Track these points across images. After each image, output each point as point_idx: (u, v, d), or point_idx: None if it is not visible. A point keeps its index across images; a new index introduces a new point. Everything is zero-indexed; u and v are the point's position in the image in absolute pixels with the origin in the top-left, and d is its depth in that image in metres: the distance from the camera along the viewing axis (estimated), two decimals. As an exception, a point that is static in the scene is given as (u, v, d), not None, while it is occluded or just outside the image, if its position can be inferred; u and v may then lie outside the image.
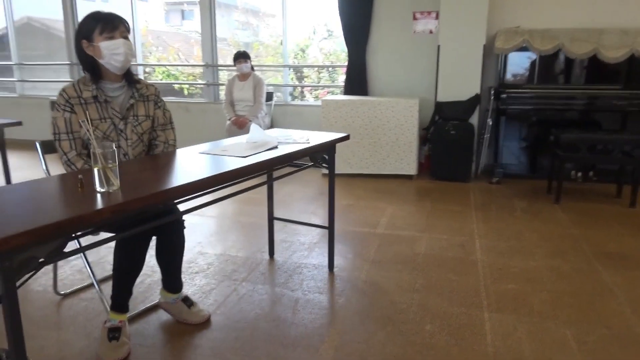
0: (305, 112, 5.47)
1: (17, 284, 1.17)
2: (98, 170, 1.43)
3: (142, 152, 2.07)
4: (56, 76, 6.72)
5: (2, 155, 3.34)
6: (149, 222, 1.70)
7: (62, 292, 2.38)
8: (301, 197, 4.13)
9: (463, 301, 2.30)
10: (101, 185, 1.44)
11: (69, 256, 1.37)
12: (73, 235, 1.39)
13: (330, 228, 2.63)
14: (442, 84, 4.67)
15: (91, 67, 1.91)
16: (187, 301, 2.15)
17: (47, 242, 1.23)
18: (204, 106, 5.95)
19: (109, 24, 1.87)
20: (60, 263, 2.60)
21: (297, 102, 5.99)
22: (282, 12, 5.73)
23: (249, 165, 1.83)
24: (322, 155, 2.47)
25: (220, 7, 6.63)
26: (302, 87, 6.96)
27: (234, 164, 1.83)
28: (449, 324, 2.10)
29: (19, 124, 3.35)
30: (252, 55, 5.13)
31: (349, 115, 4.68)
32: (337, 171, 4.55)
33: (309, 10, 7.03)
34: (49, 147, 2.09)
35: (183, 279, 2.23)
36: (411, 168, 4.69)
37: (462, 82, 4.59)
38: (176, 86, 7.81)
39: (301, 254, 2.89)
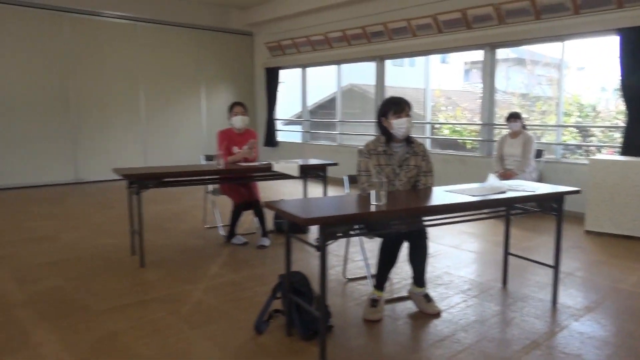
0: (575, 170, 5.59)
1: (326, 243, 2.23)
2: (375, 192, 2.43)
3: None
4: (365, 131, 8.55)
5: (324, 184, 4.83)
6: (402, 231, 2.62)
7: (348, 277, 3.52)
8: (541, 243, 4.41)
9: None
10: (376, 201, 2.42)
11: (352, 236, 2.38)
12: (355, 226, 2.41)
13: (556, 267, 3.03)
14: None
15: (385, 133, 2.98)
16: (427, 297, 2.96)
17: (342, 225, 2.27)
18: (478, 160, 6.67)
19: (399, 107, 2.91)
20: (350, 258, 3.75)
21: (567, 159, 6.09)
22: (560, 69, 6.03)
23: (472, 203, 2.56)
24: (551, 204, 2.94)
25: (521, 62, 7.28)
26: (575, 145, 6.95)
27: (461, 199, 2.59)
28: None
29: (336, 164, 4.80)
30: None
31: (618, 175, 4.68)
32: (601, 230, 4.63)
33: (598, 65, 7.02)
34: (352, 179, 3.28)
35: (430, 288, 3.05)
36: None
37: None
38: (460, 141, 8.78)
39: (531, 288, 3.33)
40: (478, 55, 7.02)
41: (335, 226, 2.23)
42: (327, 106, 11.71)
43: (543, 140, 6.78)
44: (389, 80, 8.09)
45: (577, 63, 7.77)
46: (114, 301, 3.12)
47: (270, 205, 2.48)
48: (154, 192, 3.78)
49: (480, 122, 6.85)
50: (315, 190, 6.03)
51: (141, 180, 3.69)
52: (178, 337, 2.62)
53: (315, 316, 2.46)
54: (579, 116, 7.60)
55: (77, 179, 8.13)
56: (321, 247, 2.19)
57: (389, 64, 8.06)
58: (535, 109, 8.57)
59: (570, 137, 7.19)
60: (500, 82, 8.46)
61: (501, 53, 7.06)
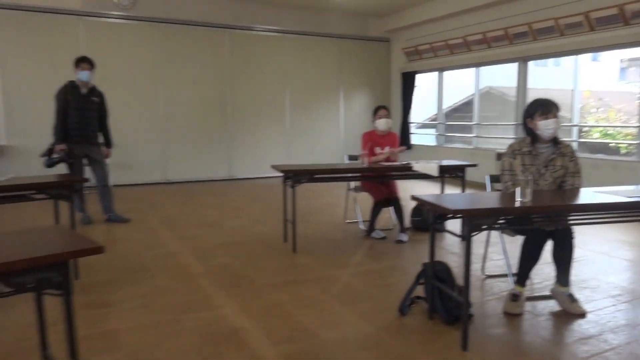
0: None
1: (472, 234, 2.41)
2: (521, 189, 2.55)
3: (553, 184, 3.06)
4: (503, 133, 8.34)
5: (463, 184, 4.91)
6: (546, 229, 2.69)
7: (487, 274, 3.62)
8: None
9: None
10: (521, 197, 2.54)
11: (496, 229, 2.53)
12: (500, 219, 2.55)
13: None
14: None
15: (530, 134, 3.05)
16: (571, 297, 2.96)
17: (487, 217, 2.43)
18: (634, 165, 6.17)
19: (546, 109, 2.96)
20: (489, 257, 3.83)
21: None
22: None
23: (623, 203, 2.53)
24: None
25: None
26: None
27: (610, 199, 2.58)
28: None
29: (475, 165, 4.87)
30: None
31: None
32: None
33: None
34: (494, 179, 3.38)
35: (574, 290, 3.04)
36: None
37: None
38: (612, 144, 8.13)
39: (694, 301, 3.12)
40: (637, 51, 6.48)
41: (480, 218, 2.40)
42: (462, 109, 11.56)
43: None
44: (531, 82, 7.81)
45: None
46: (274, 278, 3.62)
47: (417, 198, 2.73)
48: (298, 189, 4.26)
49: (638, 125, 6.32)
50: (451, 191, 6.10)
51: (296, 176, 4.17)
52: (331, 311, 2.99)
53: (457, 303, 2.65)
54: None
55: (230, 176, 9.16)
56: (466, 237, 2.38)
57: (531, 64, 7.78)
58: None
59: None
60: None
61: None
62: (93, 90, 5.24)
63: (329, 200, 6.92)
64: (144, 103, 8.29)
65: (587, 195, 2.78)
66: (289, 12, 9.24)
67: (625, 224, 4.03)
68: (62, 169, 5.02)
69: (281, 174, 4.36)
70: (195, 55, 8.64)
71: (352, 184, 5.15)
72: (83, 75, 5.07)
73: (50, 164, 5.01)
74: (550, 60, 11.00)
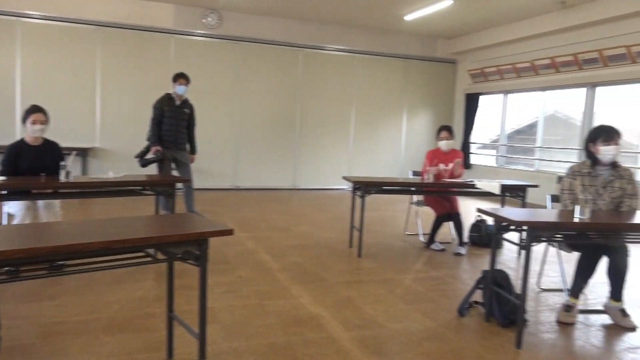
0: None
1: (531, 244, 2.70)
2: (580, 207, 2.82)
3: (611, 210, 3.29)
4: (566, 157, 8.37)
5: (523, 204, 5.13)
6: (602, 245, 2.94)
7: (542, 288, 3.85)
8: None
9: None
10: (579, 215, 2.81)
11: (555, 241, 2.81)
12: (558, 233, 2.82)
13: None
14: None
15: (591, 157, 3.30)
16: (624, 312, 3.16)
17: (545, 231, 2.72)
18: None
19: (608, 136, 3.20)
20: (545, 273, 4.05)
21: None
22: None
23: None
24: None
25: None
26: None
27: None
28: None
29: (537, 186, 5.08)
30: None
31: None
32: None
33: None
34: (555, 199, 3.64)
35: (628, 307, 3.23)
36: None
37: None
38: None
39: None
40: None
41: (541, 230, 2.70)
42: (525, 131, 11.54)
43: None
44: (600, 107, 7.84)
45: None
46: (342, 277, 4.02)
47: (484, 210, 3.06)
48: (358, 201, 4.68)
49: None
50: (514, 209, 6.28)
51: (366, 187, 4.57)
52: (396, 308, 3.35)
53: (513, 308, 2.94)
54: None
55: (294, 186, 9.69)
56: (527, 247, 2.69)
57: (601, 89, 7.82)
58: None
59: None
60: None
61: None
62: (185, 103, 5.94)
63: (390, 213, 7.25)
64: (221, 115, 9.01)
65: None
66: (359, 33, 9.73)
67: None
68: (151, 169, 5.71)
69: (348, 186, 4.77)
70: (270, 72, 9.30)
71: (415, 197, 5.48)
72: (180, 89, 5.80)
73: (145, 164, 5.72)
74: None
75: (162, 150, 5.72)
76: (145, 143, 5.83)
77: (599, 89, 7.81)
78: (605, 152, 3.19)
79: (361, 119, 10.04)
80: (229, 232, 2.10)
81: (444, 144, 5.13)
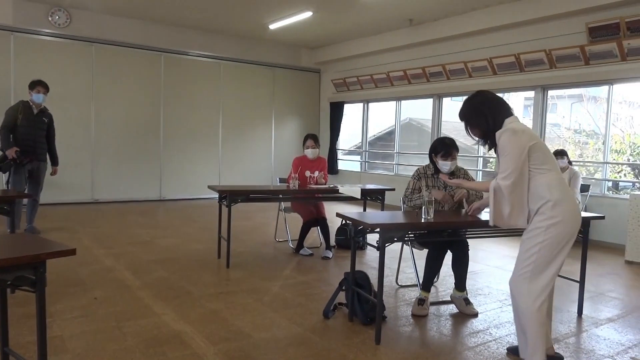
0: (619, 205, 5.93)
1: (385, 244, 2.89)
2: (423, 208, 3.08)
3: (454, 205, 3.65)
4: (421, 162, 9.14)
5: (382, 206, 5.48)
6: (444, 241, 3.25)
7: (399, 284, 4.14)
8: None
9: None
10: (424, 215, 3.07)
11: (405, 241, 3.04)
12: (409, 233, 3.06)
13: (582, 282, 3.51)
14: None
15: (433, 164, 3.64)
16: (467, 300, 3.52)
17: (396, 231, 2.93)
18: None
19: (446, 152, 3.54)
20: (402, 270, 4.36)
21: (611, 194, 6.42)
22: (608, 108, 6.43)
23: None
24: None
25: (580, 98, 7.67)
26: (621, 182, 7.23)
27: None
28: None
29: (393, 189, 5.46)
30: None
31: (657, 211, 5.03)
32: None
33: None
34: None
35: (470, 296, 3.59)
36: None
37: None
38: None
39: (564, 302, 3.80)
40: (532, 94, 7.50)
41: (392, 231, 2.89)
42: (385, 138, 12.39)
43: (597, 176, 7.09)
44: (446, 115, 8.70)
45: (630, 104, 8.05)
46: (209, 289, 3.91)
47: (342, 215, 3.19)
48: (232, 210, 4.64)
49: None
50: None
51: (232, 195, 4.51)
52: (264, 317, 3.34)
53: (373, 306, 3.11)
54: (631, 154, 7.84)
55: (161, 197, 9.23)
56: (381, 247, 2.86)
57: (447, 99, 8.69)
58: (589, 146, 8.85)
59: (630, 175, 7.47)
60: (558, 118, 8.88)
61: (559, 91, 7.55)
62: (44, 112, 5.57)
63: (259, 220, 7.25)
64: (74, 122, 8.23)
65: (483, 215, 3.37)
66: (224, 40, 9.61)
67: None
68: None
69: (215, 195, 4.67)
70: (129, 76, 8.75)
71: (283, 204, 5.55)
72: (38, 97, 5.44)
73: (5, 170, 5.29)
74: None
75: (19, 153, 5.25)
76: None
77: (445, 99, 8.67)
78: (443, 165, 3.54)
79: (230, 127, 9.91)
80: (71, 252, 1.90)
81: (309, 152, 5.27)
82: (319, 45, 10.35)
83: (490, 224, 2.60)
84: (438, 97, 8.64)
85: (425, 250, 3.69)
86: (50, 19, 7.87)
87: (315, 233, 5.56)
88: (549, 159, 2.53)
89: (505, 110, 2.62)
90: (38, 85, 5.47)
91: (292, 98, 10.74)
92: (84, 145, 8.38)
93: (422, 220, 3.02)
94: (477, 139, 2.72)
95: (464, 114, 2.72)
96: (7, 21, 7.59)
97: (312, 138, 5.32)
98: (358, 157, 10.86)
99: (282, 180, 5.69)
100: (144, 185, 9.05)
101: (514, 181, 2.45)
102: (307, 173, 5.29)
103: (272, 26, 8.63)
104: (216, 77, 9.68)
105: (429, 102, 8.86)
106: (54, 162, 5.79)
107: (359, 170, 10.54)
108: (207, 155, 9.68)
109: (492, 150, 2.65)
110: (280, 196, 5.07)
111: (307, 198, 5.16)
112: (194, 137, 9.51)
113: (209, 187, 4.87)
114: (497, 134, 2.54)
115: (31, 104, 5.46)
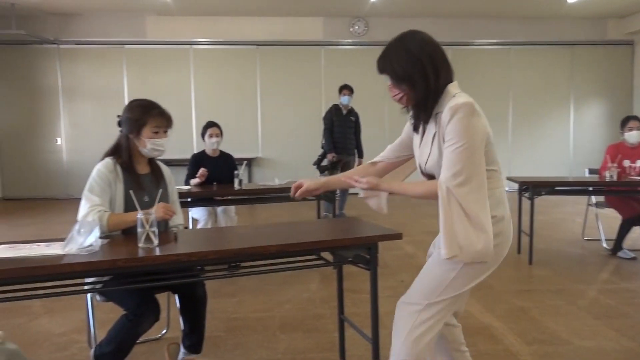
0: None
1: None
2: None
3: None
4: None
5: None
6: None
7: None
8: None
9: None
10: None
11: None
12: None
13: None
14: None
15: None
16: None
17: None
18: None
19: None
20: None
21: None
22: None
23: None
24: None
25: None
26: None
27: None
28: None
29: None
30: None
31: None
32: None
33: None
34: None
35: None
36: None
37: None
38: None
39: None
40: None
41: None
42: None
43: None
44: None
45: None
46: (513, 285, 3.71)
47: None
48: (525, 203, 4.26)
49: None
50: None
51: (536, 187, 4.17)
52: (582, 323, 2.96)
53: None
54: None
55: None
56: None
57: None
58: None
59: None
60: None
61: None
62: (351, 111, 6.37)
63: (557, 216, 6.56)
64: (370, 119, 9.08)
65: None
66: (513, 24, 9.04)
67: None
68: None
69: (509, 187, 4.41)
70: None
71: (594, 198, 4.86)
72: (345, 99, 6.24)
73: (322, 170, 6.24)
74: None
75: (337, 156, 6.16)
76: (319, 151, 6.41)
77: None
78: None
79: (519, 114, 9.30)
80: (398, 236, 2.05)
81: (634, 135, 4.45)
82: (630, 12, 8.69)
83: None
84: None
85: None
86: (351, 29, 8.85)
87: (636, 233, 4.69)
88: (496, 154, 1.76)
89: (449, 67, 1.74)
90: (344, 89, 6.25)
91: (596, 77, 9.34)
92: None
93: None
94: (405, 105, 1.77)
95: (391, 64, 1.74)
96: (317, 37, 8.87)
97: (635, 119, 4.49)
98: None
99: (592, 172, 4.99)
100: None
101: (474, 187, 1.59)
102: (627, 162, 4.49)
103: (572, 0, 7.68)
104: (504, 65, 9.20)
105: None
106: (360, 154, 6.48)
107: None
108: (496, 146, 9.30)
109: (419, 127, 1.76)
110: (591, 189, 4.44)
111: (627, 192, 4.39)
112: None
113: (508, 178, 4.62)
114: (447, 109, 1.62)
115: (340, 106, 6.27)
